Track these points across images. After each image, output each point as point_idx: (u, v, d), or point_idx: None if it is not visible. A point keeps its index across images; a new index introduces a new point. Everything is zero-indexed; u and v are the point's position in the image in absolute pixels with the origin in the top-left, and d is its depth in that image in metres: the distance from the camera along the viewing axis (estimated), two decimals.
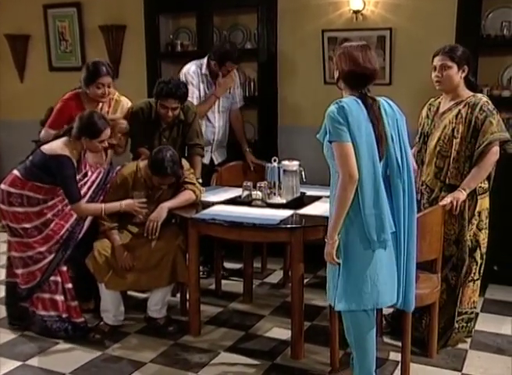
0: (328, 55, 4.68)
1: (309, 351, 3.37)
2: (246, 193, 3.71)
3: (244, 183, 3.74)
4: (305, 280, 3.58)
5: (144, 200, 3.56)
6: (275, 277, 4.63)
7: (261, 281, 4.54)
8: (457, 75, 3.24)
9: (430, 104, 3.49)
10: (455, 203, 3.14)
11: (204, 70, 4.43)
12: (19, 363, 3.28)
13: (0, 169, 5.64)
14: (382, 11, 4.56)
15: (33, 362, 3.31)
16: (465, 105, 3.23)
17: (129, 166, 3.70)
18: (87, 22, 5.64)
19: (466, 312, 3.39)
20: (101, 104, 3.83)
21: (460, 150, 3.23)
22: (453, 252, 3.29)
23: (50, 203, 3.48)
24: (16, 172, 3.49)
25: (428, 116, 3.45)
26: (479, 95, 3.28)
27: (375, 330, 2.77)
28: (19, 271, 3.53)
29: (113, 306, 3.60)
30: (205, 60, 4.45)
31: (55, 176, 3.38)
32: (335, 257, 2.61)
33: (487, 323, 3.74)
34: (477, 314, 3.73)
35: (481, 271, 3.37)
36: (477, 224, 3.29)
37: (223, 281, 4.36)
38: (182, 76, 4.40)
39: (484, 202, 3.30)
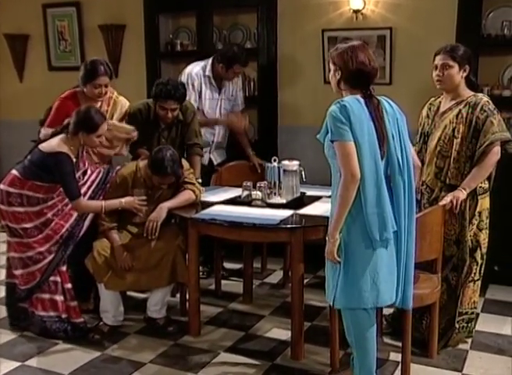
0: (328, 55, 4.67)
1: (309, 352, 3.37)
2: (246, 193, 3.71)
3: (244, 183, 3.74)
4: (305, 280, 3.58)
5: (144, 197, 3.56)
6: (275, 277, 4.62)
7: (261, 281, 4.54)
8: (458, 74, 3.23)
9: (430, 103, 3.48)
10: (455, 202, 3.14)
11: (207, 72, 4.41)
12: (18, 364, 3.28)
13: None
14: (383, 10, 4.55)
15: (33, 362, 3.30)
16: (466, 105, 3.22)
17: (128, 166, 3.69)
18: (87, 21, 5.64)
19: (466, 313, 3.38)
20: (99, 103, 3.82)
21: (460, 150, 3.22)
22: (454, 252, 3.29)
23: (50, 203, 3.48)
24: (14, 171, 3.48)
25: (428, 116, 3.44)
26: (480, 95, 3.27)
27: (375, 329, 2.77)
28: (19, 272, 3.52)
29: (113, 306, 3.59)
30: (210, 62, 4.43)
31: (54, 174, 3.37)
32: (336, 255, 2.61)
33: (487, 324, 3.73)
34: (477, 314, 3.72)
35: (482, 271, 3.36)
36: (477, 224, 3.28)
37: (223, 281, 4.36)
38: (184, 76, 4.38)
39: (484, 202, 3.29)
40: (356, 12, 4.58)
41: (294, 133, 4.87)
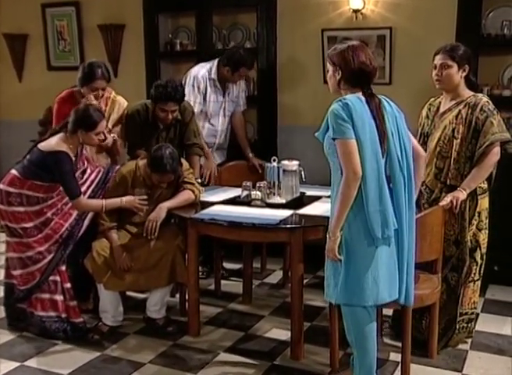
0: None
1: (309, 352, 3.36)
2: (245, 193, 3.70)
3: (244, 183, 3.73)
4: (305, 281, 3.58)
5: (145, 197, 3.55)
6: (275, 277, 4.62)
7: (260, 281, 4.53)
8: (457, 74, 3.22)
9: (430, 104, 3.47)
10: (455, 202, 3.14)
11: (213, 75, 4.41)
12: (17, 364, 3.27)
13: None
14: (382, 10, 4.55)
15: (32, 362, 3.29)
16: (465, 106, 3.22)
17: (128, 165, 3.69)
18: (86, 21, 5.63)
19: (466, 313, 3.38)
20: (97, 103, 3.81)
21: (460, 150, 3.21)
22: (453, 253, 3.28)
23: (49, 202, 3.47)
24: (14, 171, 3.47)
25: (428, 116, 3.43)
26: (480, 95, 3.27)
27: (375, 328, 2.77)
28: (17, 272, 3.51)
29: (112, 307, 3.58)
30: (215, 64, 4.42)
31: (53, 173, 3.37)
32: (337, 253, 2.62)
33: (487, 324, 3.73)
34: (477, 314, 3.71)
35: (482, 271, 3.36)
36: (477, 224, 3.28)
37: (223, 281, 4.35)
38: (190, 79, 4.38)
39: (483, 202, 3.28)
40: (356, 11, 4.58)
41: (294, 133, 4.87)
